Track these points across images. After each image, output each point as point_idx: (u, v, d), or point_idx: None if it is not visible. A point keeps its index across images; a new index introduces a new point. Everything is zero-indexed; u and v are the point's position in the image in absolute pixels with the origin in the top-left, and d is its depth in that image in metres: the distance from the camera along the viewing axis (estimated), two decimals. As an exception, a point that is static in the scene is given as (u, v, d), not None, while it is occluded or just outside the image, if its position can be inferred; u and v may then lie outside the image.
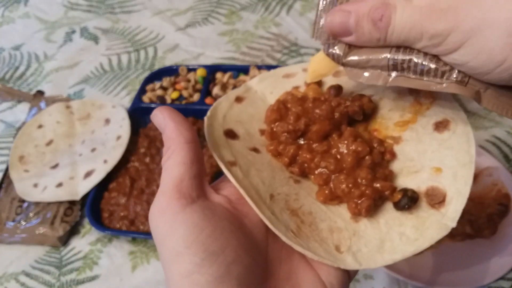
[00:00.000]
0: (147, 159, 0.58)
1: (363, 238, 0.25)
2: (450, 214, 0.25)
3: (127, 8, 0.85)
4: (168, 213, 0.22)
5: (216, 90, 0.63)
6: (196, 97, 0.64)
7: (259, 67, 0.66)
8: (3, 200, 0.58)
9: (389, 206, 0.26)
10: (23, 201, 0.57)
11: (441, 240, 0.50)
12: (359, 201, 0.26)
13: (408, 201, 0.25)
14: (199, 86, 0.66)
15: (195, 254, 0.21)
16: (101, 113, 0.64)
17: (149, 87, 0.67)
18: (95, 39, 0.80)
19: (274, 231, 0.24)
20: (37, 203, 0.56)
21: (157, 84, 0.67)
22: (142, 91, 0.66)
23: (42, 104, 0.68)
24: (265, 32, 0.76)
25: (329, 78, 0.33)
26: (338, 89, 0.31)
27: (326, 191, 0.27)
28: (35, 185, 0.57)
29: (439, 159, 0.27)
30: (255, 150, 0.29)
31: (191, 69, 0.68)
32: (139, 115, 0.63)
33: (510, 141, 0.57)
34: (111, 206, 0.54)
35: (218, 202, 0.25)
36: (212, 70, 0.67)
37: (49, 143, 0.62)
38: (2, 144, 0.65)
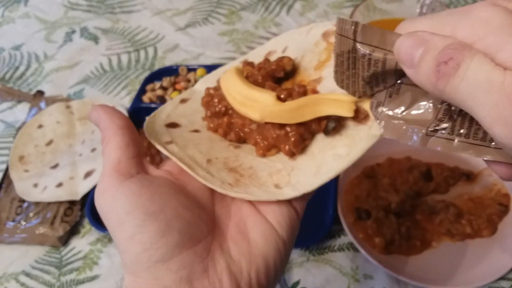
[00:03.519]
0: (147, 159, 0.58)
1: (301, 170, 0.27)
2: (376, 123, 0.25)
3: (127, 8, 0.85)
4: (108, 190, 0.24)
5: (216, 90, 0.63)
6: (196, 97, 0.64)
7: (259, 67, 0.66)
8: (3, 200, 0.58)
9: (321, 137, 0.28)
10: (23, 201, 0.57)
11: (441, 240, 0.50)
12: (288, 140, 0.28)
13: (334, 122, 0.27)
14: (199, 86, 0.66)
15: (136, 217, 0.23)
16: (101, 113, 0.64)
17: (149, 87, 0.67)
18: (95, 39, 0.80)
19: (208, 185, 0.26)
20: (37, 203, 0.56)
21: (157, 84, 0.67)
22: (142, 91, 0.66)
23: (42, 104, 0.68)
24: (265, 32, 0.76)
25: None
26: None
27: (262, 145, 0.29)
28: (35, 185, 0.57)
29: None
30: (195, 131, 0.31)
31: (191, 69, 0.68)
32: (139, 115, 0.63)
33: (510, 141, 0.57)
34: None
35: (158, 175, 0.26)
36: (212, 70, 0.66)
37: (49, 143, 0.62)
38: (2, 144, 0.65)
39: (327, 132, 0.27)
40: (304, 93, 0.30)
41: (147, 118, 0.32)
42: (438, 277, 0.44)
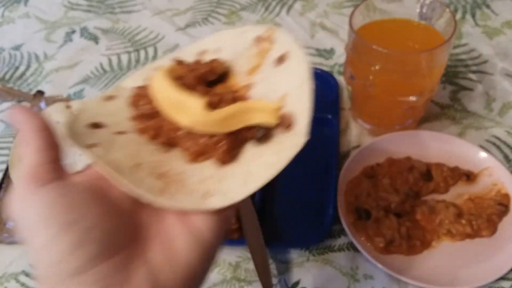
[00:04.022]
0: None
1: (230, 178, 0.27)
2: (301, 130, 0.26)
3: (127, 8, 0.85)
4: (23, 197, 0.23)
5: (216, 90, 0.63)
6: (196, 97, 0.64)
7: (259, 67, 0.66)
8: (3, 200, 0.58)
9: (251, 144, 0.28)
10: (23, 201, 0.56)
11: (441, 240, 0.50)
12: (218, 148, 0.28)
13: (262, 130, 0.28)
14: (199, 86, 0.66)
15: (51, 227, 0.21)
16: (101, 113, 0.64)
17: (149, 87, 0.67)
18: (95, 39, 0.80)
19: (132, 193, 0.25)
20: (37, 203, 0.56)
21: (157, 84, 0.67)
22: (142, 91, 0.66)
23: (42, 104, 0.68)
24: (265, 32, 0.76)
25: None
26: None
27: (192, 150, 0.28)
28: (35, 185, 0.57)
29: (283, 87, 0.29)
30: (121, 132, 0.30)
31: (191, 69, 0.68)
32: (139, 115, 0.63)
33: (510, 141, 0.57)
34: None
35: (78, 181, 0.25)
36: (212, 70, 0.67)
37: (49, 143, 0.62)
38: (2, 144, 0.65)
39: (256, 140, 0.28)
40: (235, 99, 0.30)
41: (67, 117, 0.31)
42: (438, 277, 0.44)
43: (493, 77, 0.64)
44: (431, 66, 0.49)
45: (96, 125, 0.30)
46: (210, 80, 0.31)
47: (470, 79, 0.64)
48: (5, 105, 0.71)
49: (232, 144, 0.28)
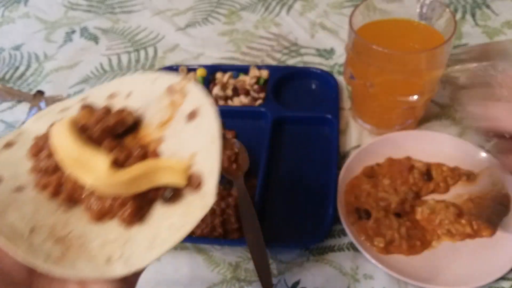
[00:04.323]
0: None
1: (135, 241, 0.26)
2: (208, 191, 0.26)
3: (127, 8, 0.85)
4: None
5: (216, 90, 0.63)
6: (196, 97, 0.64)
7: (259, 67, 0.66)
8: (3, 200, 0.58)
9: (159, 206, 0.28)
10: (23, 201, 0.56)
11: (441, 240, 0.50)
12: (123, 210, 0.26)
13: (170, 191, 0.27)
14: (199, 86, 0.66)
15: None
16: (101, 113, 0.64)
17: (149, 87, 0.67)
18: (95, 39, 0.80)
19: (28, 263, 0.23)
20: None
21: (157, 84, 0.67)
22: (142, 91, 0.66)
23: (42, 104, 0.68)
24: (265, 32, 0.76)
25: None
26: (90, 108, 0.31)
27: (95, 211, 0.27)
28: (35, 185, 0.57)
29: (193, 145, 0.29)
30: (19, 188, 0.28)
31: (191, 69, 0.68)
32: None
33: (510, 141, 0.57)
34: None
35: None
36: (212, 70, 0.67)
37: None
38: (2, 144, 0.65)
39: (164, 201, 0.27)
40: (144, 155, 0.29)
41: None
42: (438, 277, 0.44)
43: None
44: (431, 66, 0.49)
45: None
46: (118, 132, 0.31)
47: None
48: (5, 105, 0.71)
49: (138, 206, 0.27)
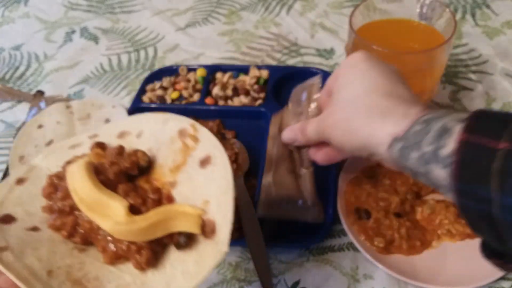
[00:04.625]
0: None
1: (151, 286, 0.26)
2: (222, 239, 0.27)
3: (127, 8, 0.85)
4: None
5: (216, 90, 0.63)
6: (196, 97, 0.64)
7: (259, 67, 0.66)
8: (3, 200, 0.58)
9: (173, 248, 0.28)
10: (23, 201, 0.56)
11: (441, 240, 0.50)
12: (139, 256, 0.27)
13: (184, 237, 0.27)
14: (199, 86, 0.66)
15: None
16: (101, 113, 0.64)
17: (149, 87, 0.67)
18: (95, 39, 0.80)
19: None
20: (37, 203, 0.56)
21: (157, 84, 0.67)
22: (142, 91, 0.66)
23: (42, 104, 0.68)
24: (265, 32, 0.76)
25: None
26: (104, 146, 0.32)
27: (110, 253, 0.27)
28: (35, 185, 0.57)
29: (206, 192, 0.29)
30: (35, 228, 0.29)
31: (191, 69, 0.68)
32: (139, 115, 0.63)
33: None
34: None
35: None
36: (212, 70, 0.67)
37: (49, 143, 0.62)
38: (2, 144, 0.65)
39: (178, 247, 0.28)
40: (159, 200, 0.29)
41: None
42: (438, 277, 0.44)
43: (493, 77, 0.64)
44: (431, 66, 0.49)
45: (6, 219, 0.29)
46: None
47: (470, 79, 0.64)
48: (5, 105, 0.71)
49: (153, 252, 0.27)
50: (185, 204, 0.29)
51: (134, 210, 0.28)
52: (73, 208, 0.29)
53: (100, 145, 0.32)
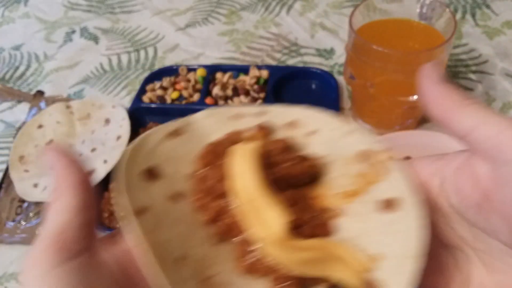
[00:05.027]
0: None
1: None
2: None
3: (127, 8, 0.85)
4: (40, 267, 0.19)
5: (216, 90, 0.63)
6: (196, 97, 0.64)
7: (259, 67, 0.66)
8: (3, 200, 0.58)
9: None
10: (23, 201, 0.57)
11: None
12: (284, 284, 0.22)
13: None
14: (199, 86, 0.66)
15: None
16: (101, 113, 0.64)
17: (149, 87, 0.67)
18: (95, 39, 0.80)
19: None
20: (37, 203, 0.56)
21: (157, 84, 0.67)
22: (142, 91, 0.66)
23: (42, 104, 0.68)
24: (265, 32, 0.76)
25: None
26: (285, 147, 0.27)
27: (250, 260, 0.22)
28: (35, 185, 0.57)
29: (383, 245, 0.22)
30: (176, 197, 0.24)
31: (191, 69, 0.68)
32: (139, 115, 0.63)
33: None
34: (111, 206, 0.54)
35: (106, 262, 0.21)
36: (212, 70, 0.67)
37: (49, 143, 0.62)
38: (2, 144, 0.65)
39: None
40: (323, 226, 0.24)
41: (128, 150, 0.24)
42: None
43: (493, 77, 0.64)
44: (431, 66, 0.49)
45: (152, 173, 0.24)
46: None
47: (470, 79, 0.64)
48: (5, 105, 0.71)
49: (301, 286, 0.22)
50: (354, 249, 0.22)
51: (293, 227, 0.22)
52: (224, 194, 0.24)
53: (264, 130, 0.27)
